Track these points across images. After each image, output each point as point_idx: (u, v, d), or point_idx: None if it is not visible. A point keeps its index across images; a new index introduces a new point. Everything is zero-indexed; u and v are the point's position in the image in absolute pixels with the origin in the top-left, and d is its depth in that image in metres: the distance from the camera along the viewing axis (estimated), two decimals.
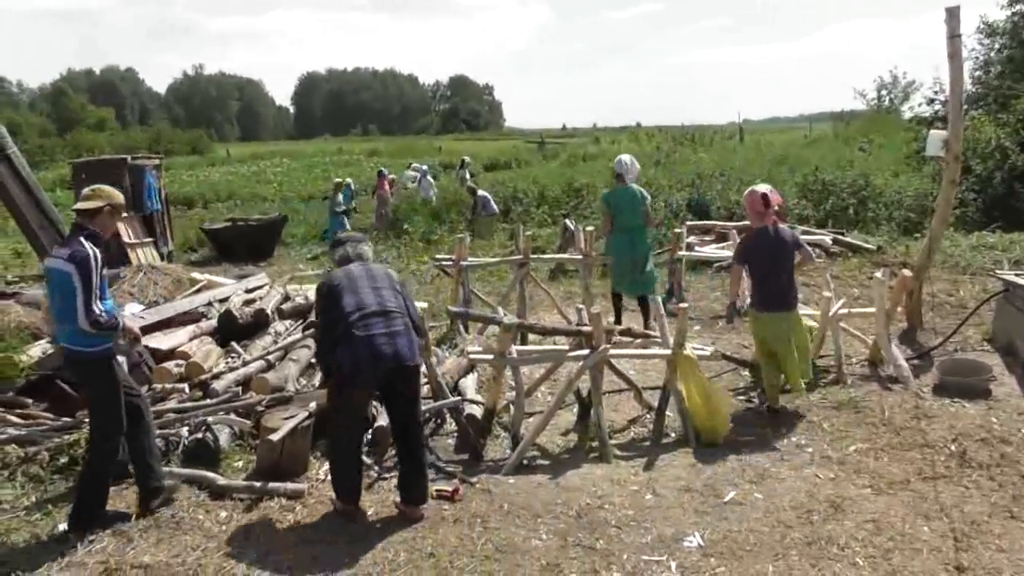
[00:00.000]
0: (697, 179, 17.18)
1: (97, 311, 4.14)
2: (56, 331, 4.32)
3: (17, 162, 5.26)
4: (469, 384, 6.22)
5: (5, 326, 7.25)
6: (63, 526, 4.39)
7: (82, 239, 4.21)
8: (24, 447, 5.25)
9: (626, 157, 8.35)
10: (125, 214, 12.28)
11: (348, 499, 4.49)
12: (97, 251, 4.20)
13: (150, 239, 13.92)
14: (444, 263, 8.70)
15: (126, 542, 4.25)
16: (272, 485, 4.76)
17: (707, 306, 9.27)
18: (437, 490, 4.69)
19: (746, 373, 6.53)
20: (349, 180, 18.13)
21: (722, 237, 11.52)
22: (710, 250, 10.32)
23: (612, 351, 5.48)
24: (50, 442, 5.26)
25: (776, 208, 5.83)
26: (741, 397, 6.19)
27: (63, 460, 5.14)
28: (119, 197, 4.48)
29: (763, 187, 5.93)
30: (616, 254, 8.13)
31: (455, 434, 5.54)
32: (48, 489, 4.91)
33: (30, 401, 6.01)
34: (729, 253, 8.92)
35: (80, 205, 4.38)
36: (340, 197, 15.74)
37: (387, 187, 18.15)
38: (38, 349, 6.63)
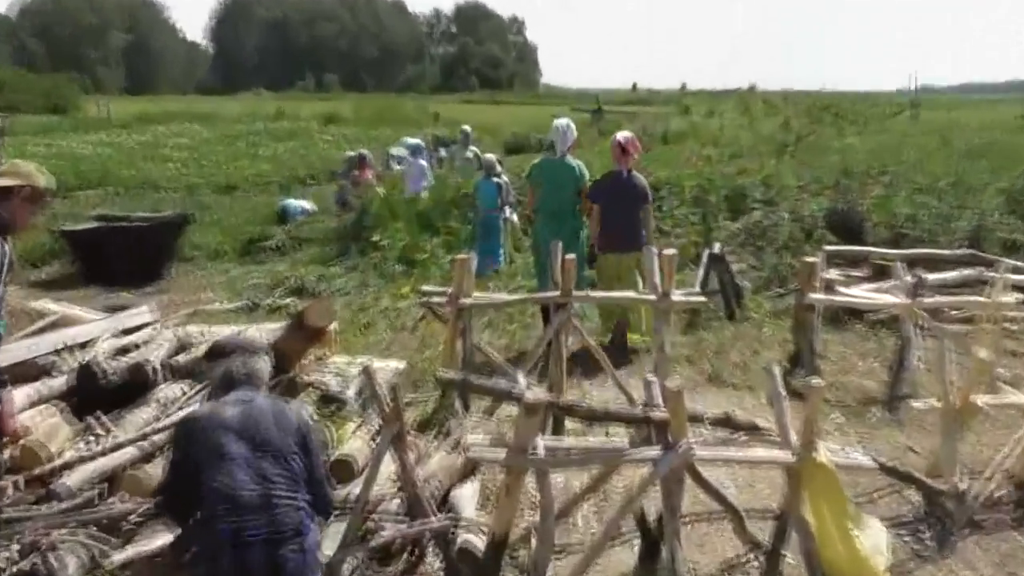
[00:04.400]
0: (843, 178, 17.08)
1: None
2: None
3: None
4: (467, 496, 6.16)
5: None
6: None
7: None
8: None
9: (562, 121, 10.94)
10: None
11: None
12: (5, 247, 4.70)
13: None
14: (435, 299, 8.64)
15: None
16: None
17: (855, 384, 9.20)
18: None
19: (913, 494, 6.43)
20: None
21: (880, 272, 11.42)
22: (861, 292, 10.14)
23: (699, 451, 5.38)
24: None
25: (635, 156, 10.32)
26: (904, 533, 6.09)
27: None
28: (41, 180, 4.93)
29: (623, 134, 10.52)
30: (538, 242, 10.48)
31: None
32: None
33: None
34: (893, 299, 8.89)
35: None
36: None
37: (369, 175, 19.84)
38: None
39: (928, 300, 9.04)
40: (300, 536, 4.36)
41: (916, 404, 7.05)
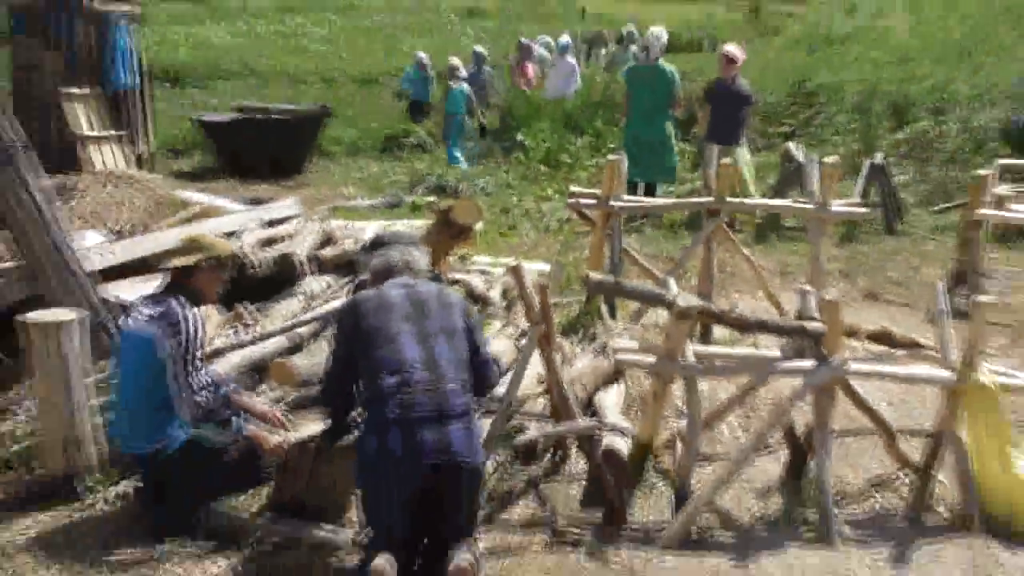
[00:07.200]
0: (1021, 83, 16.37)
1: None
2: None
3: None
4: (611, 401, 6.26)
5: None
6: None
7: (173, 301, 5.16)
8: None
9: (655, 29, 12.65)
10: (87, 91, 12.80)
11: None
12: (199, 317, 5.21)
13: (118, 132, 14.20)
14: (583, 200, 8.66)
15: None
16: (289, 526, 4.96)
17: (1022, 304, 9.03)
18: None
19: None
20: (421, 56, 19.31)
21: None
22: None
23: (854, 365, 5.42)
24: None
25: (738, 64, 12.23)
26: None
27: None
28: (221, 248, 5.45)
29: (731, 47, 12.60)
30: (627, 137, 12.70)
31: (583, 478, 5.64)
32: None
33: None
34: None
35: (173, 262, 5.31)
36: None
37: (531, 70, 19.74)
38: None
39: None
40: (467, 416, 4.55)
41: None
